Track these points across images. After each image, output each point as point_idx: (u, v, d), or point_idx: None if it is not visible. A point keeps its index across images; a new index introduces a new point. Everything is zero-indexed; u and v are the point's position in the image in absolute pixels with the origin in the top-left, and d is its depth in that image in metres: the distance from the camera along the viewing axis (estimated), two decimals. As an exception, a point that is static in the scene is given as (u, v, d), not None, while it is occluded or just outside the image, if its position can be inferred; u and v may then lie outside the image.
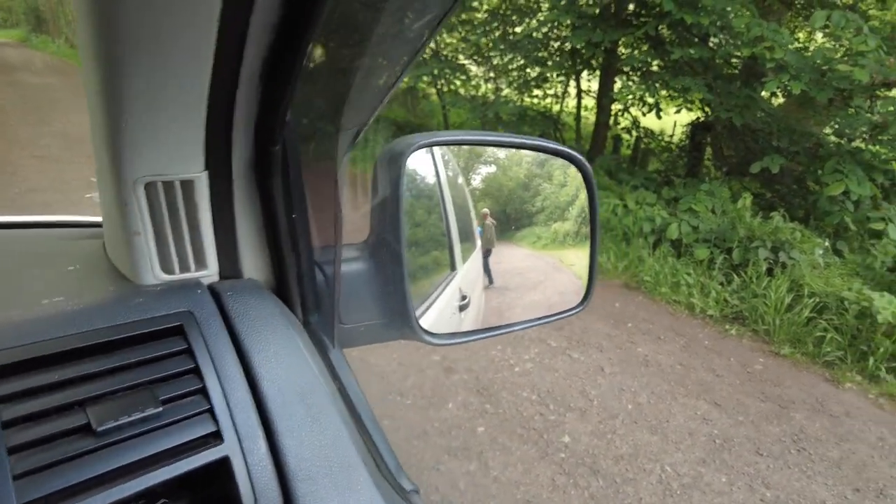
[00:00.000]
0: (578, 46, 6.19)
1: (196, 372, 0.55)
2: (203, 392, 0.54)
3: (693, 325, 4.65)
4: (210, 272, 0.66)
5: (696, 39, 5.96)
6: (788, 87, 4.79)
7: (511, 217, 1.10)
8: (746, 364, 4.09)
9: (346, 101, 0.65)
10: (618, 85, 7.13)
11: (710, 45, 5.86)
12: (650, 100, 6.37)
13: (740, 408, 3.56)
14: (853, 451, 3.23)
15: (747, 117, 5.57)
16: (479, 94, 9.60)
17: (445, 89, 9.66)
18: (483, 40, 9.02)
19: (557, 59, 7.21)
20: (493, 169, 1.10)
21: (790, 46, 4.98)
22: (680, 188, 6.52)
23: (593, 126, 8.56)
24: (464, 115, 8.29)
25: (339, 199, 0.70)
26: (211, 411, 0.53)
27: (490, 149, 1.08)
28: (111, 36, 0.43)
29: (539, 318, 1.01)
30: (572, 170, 1.06)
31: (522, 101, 8.39)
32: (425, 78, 9.23)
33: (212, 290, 0.64)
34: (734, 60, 6.28)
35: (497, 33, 8.66)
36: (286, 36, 0.47)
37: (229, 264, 0.68)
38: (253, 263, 0.70)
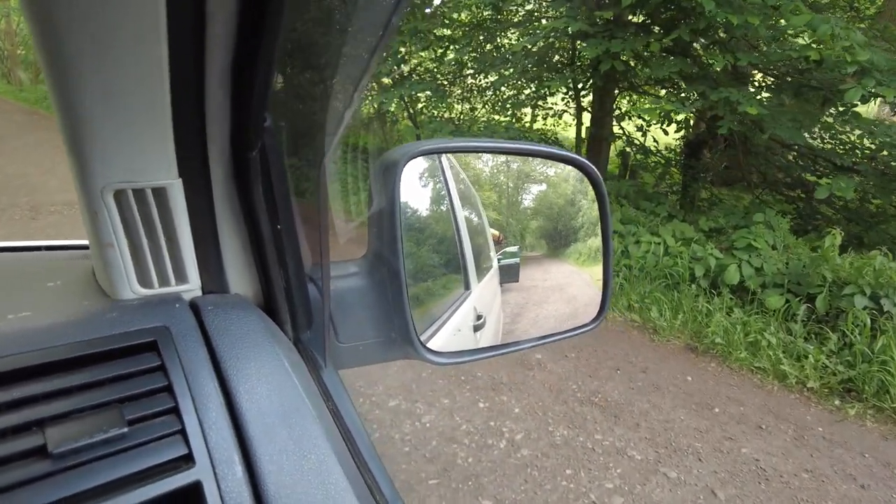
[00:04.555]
0: (593, 57, 5.23)
1: (169, 390, 0.51)
2: (175, 412, 0.50)
3: (793, 403, 3.63)
4: (192, 286, 0.62)
5: (733, 43, 5.06)
6: (879, 95, 3.88)
7: (561, 234, 1.07)
8: (891, 463, 3.08)
9: (326, 100, 0.61)
10: (643, 100, 6.18)
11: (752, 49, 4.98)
12: (680, 116, 5.41)
13: (923, 546, 2.53)
14: None
15: (808, 131, 4.67)
16: (463, 116, 8.60)
17: (422, 114, 8.68)
18: (465, 57, 8.05)
19: (563, 73, 6.21)
20: (543, 187, 1.07)
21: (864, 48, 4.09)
22: (720, 217, 5.59)
23: (586, 145, 7.67)
24: (451, 136, 7.21)
25: (326, 207, 0.65)
26: (183, 432, 0.48)
27: (539, 167, 1.06)
28: (55, 36, 0.41)
29: (552, 335, 0.93)
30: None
31: (518, 121, 7.40)
32: (396, 100, 8.18)
33: (193, 305, 0.61)
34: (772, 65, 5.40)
35: (483, 48, 7.70)
36: (251, 33, 0.45)
37: (213, 278, 0.64)
38: (239, 278, 0.66)
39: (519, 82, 6.99)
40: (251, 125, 0.52)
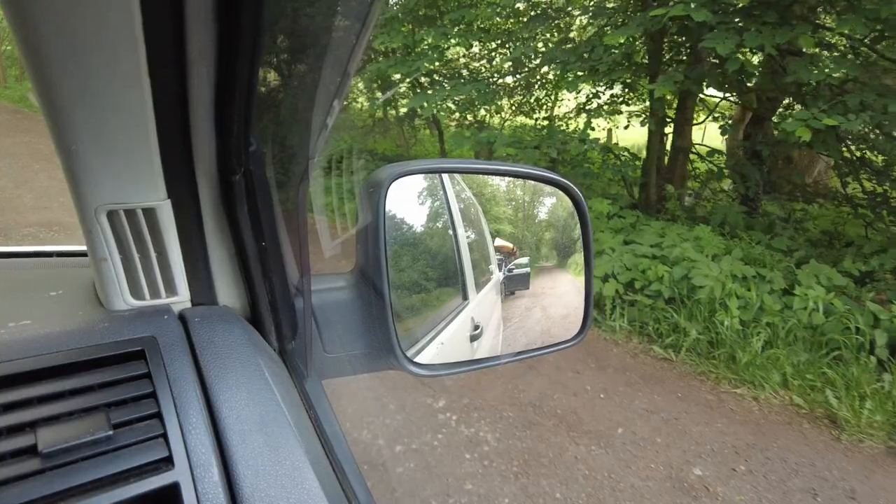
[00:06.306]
0: (723, 55, 4.09)
1: (153, 397, 0.53)
2: (158, 417, 0.52)
3: None
4: (181, 299, 0.65)
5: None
6: None
7: (566, 245, 1.10)
8: None
9: (308, 125, 0.65)
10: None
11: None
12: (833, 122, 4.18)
13: None
14: None
15: None
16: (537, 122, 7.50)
17: (470, 118, 7.60)
18: (522, 55, 6.93)
19: (670, 72, 5.06)
20: (555, 199, 1.10)
21: None
22: (871, 258, 4.45)
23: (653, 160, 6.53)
24: (512, 151, 5.99)
25: (305, 226, 0.68)
26: (164, 436, 0.51)
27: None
28: (47, 75, 0.43)
29: (533, 350, 0.95)
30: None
31: (582, 129, 6.24)
32: (442, 102, 7.06)
33: (181, 316, 0.63)
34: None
35: (554, 39, 6.58)
36: (231, 62, 0.47)
37: (202, 291, 0.67)
38: (227, 290, 0.69)
39: (599, 82, 5.81)
40: (233, 151, 0.55)
